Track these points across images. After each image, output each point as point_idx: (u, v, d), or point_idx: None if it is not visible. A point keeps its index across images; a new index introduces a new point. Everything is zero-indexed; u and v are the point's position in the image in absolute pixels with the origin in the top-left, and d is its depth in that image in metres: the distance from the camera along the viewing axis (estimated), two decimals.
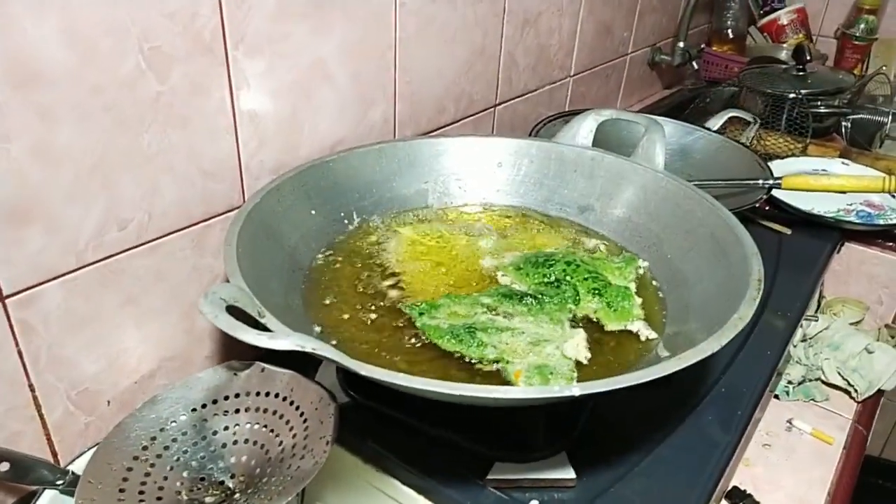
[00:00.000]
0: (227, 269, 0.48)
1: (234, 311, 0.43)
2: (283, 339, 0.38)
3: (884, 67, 1.32)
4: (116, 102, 0.51)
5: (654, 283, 0.63)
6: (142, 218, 0.55)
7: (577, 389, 0.39)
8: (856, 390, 0.83)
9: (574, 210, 0.71)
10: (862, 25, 1.44)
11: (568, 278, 0.62)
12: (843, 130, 1.28)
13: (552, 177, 0.73)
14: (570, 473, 0.50)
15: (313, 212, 0.65)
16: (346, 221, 0.68)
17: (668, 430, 0.56)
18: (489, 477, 0.50)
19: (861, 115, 1.29)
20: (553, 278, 0.62)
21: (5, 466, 0.48)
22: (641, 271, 0.64)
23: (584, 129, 0.74)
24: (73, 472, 0.52)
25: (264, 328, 0.43)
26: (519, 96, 1.00)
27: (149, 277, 0.58)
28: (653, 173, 0.67)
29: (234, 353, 0.66)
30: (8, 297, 0.49)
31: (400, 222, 0.71)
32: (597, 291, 0.60)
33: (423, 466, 0.52)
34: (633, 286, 0.62)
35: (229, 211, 0.63)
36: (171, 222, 0.58)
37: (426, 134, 0.82)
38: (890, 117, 1.27)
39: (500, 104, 0.96)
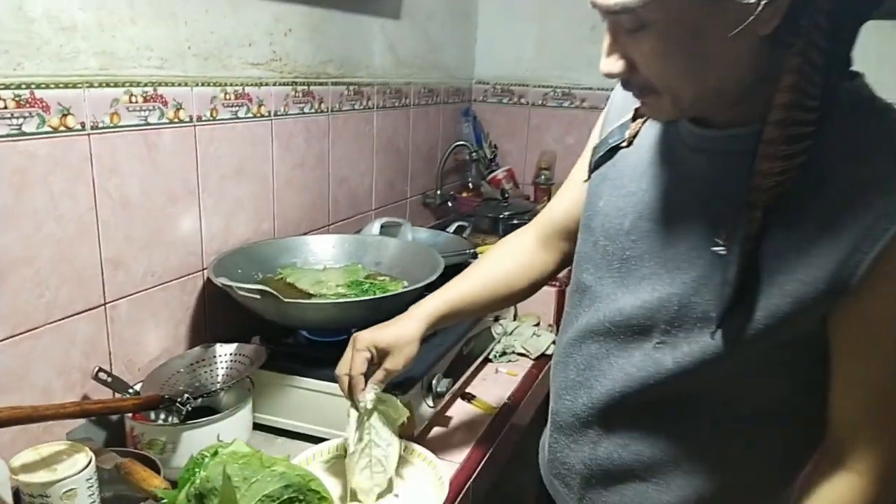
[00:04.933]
0: (219, 271, 1.07)
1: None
2: (252, 286, 0.99)
3: (548, 199, 2.22)
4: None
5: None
6: (155, 270, 1.13)
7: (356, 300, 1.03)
8: (529, 355, 1.53)
9: (371, 262, 1.39)
10: (543, 177, 2.37)
11: (371, 287, 1.27)
12: None
13: (359, 250, 1.41)
14: None
15: (239, 270, 1.25)
16: (254, 276, 1.29)
17: None
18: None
19: None
20: (366, 287, 1.27)
21: (109, 379, 1.00)
22: (406, 285, 1.31)
23: (375, 227, 1.44)
24: (135, 389, 1.04)
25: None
26: (342, 220, 1.68)
27: (158, 304, 1.14)
28: (406, 242, 1.38)
29: (199, 343, 1.20)
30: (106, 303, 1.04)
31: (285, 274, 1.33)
32: (383, 290, 1.26)
33: (308, 364, 1.10)
34: (400, 288, 1.29)
35: (199, 271, 1.21)
36: (171, 269, 1.15)
37: (292, 235, 1.47)
38: None
39: (331, 224, 1.64)
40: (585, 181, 0.85)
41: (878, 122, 0.62)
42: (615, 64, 0.62)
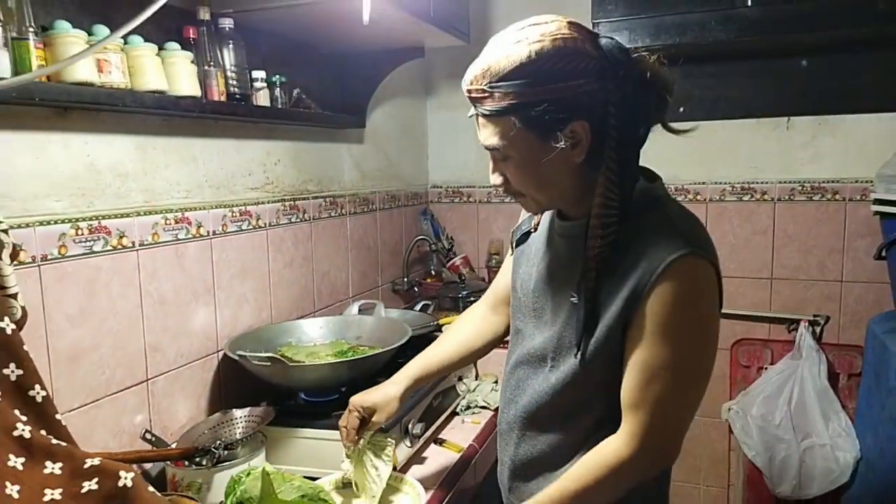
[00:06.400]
0: (233, 349, 1.35)
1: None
2: (262, 354, 1.26)
3: None
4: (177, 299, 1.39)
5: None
6: (183, 352, 1.40)
7: (351, 359, 1.31)
8: (489, 406, 1.80)
9: (353, 337, 1.67)
10: (493, 261, 2.71)
11: (354, 354, 1.55)
12: None
13: (342, 328, 1.69)
14: None
15: (247, 349, 1.52)
16: (261, 351, 1.56)
17: None
18: (333, 414, 1.36)
19: None
20: (350, 355, 1.55)
21: (153, 439, 1.24)
22: (379, 350, 1.59)
23: (354, 308, 1.73)
24: (174, 445, 1.28)
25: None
26: (326, 306, 1.97)
27: (185, 380, 1.40)
28: (380, 319, 1.67)
29: (217, 411, 1.44)
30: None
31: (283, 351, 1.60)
32: (363, 353, 1.54)
33: (307, 418, 1.36)
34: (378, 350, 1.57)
35: (214, 353, 1.48)
36: (194, 352, 1.42)
37: (286, 321, 1.75)
38: None
39: (317, 310, 1.92)
40: (510, 255, 1.18)
41: (657, 212, 0.95)
42: (497, 178, 0.97)
